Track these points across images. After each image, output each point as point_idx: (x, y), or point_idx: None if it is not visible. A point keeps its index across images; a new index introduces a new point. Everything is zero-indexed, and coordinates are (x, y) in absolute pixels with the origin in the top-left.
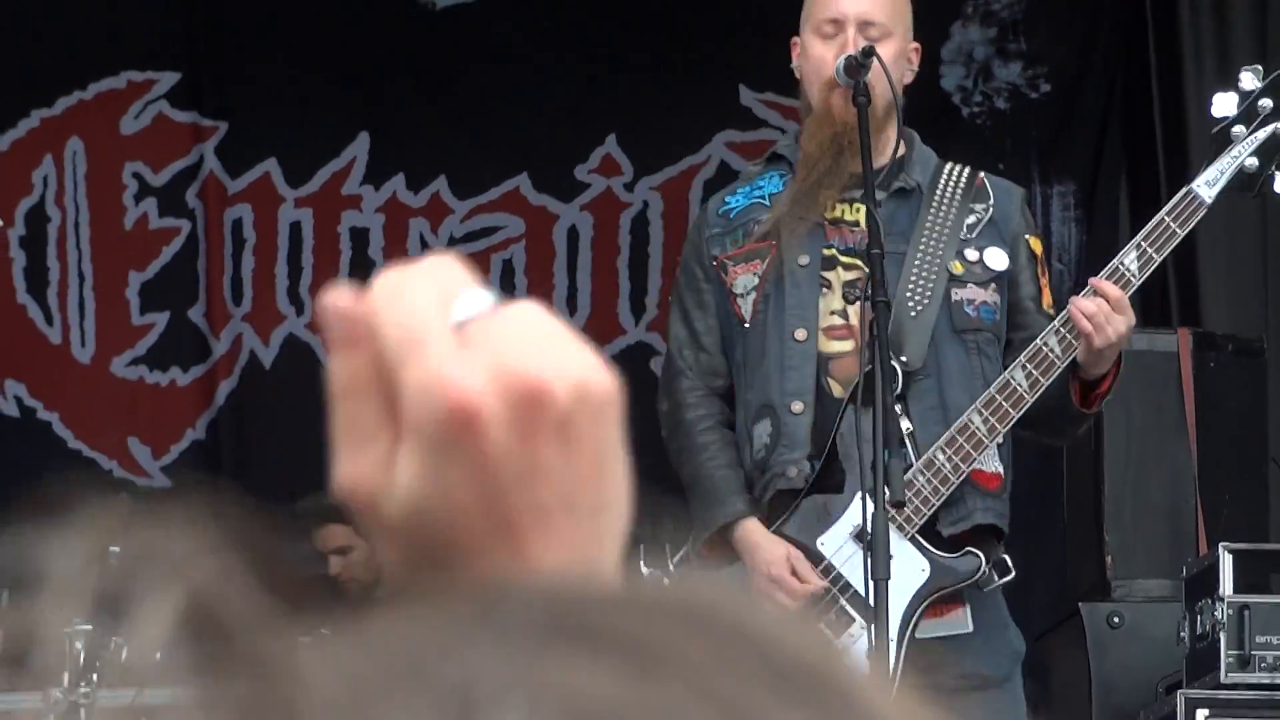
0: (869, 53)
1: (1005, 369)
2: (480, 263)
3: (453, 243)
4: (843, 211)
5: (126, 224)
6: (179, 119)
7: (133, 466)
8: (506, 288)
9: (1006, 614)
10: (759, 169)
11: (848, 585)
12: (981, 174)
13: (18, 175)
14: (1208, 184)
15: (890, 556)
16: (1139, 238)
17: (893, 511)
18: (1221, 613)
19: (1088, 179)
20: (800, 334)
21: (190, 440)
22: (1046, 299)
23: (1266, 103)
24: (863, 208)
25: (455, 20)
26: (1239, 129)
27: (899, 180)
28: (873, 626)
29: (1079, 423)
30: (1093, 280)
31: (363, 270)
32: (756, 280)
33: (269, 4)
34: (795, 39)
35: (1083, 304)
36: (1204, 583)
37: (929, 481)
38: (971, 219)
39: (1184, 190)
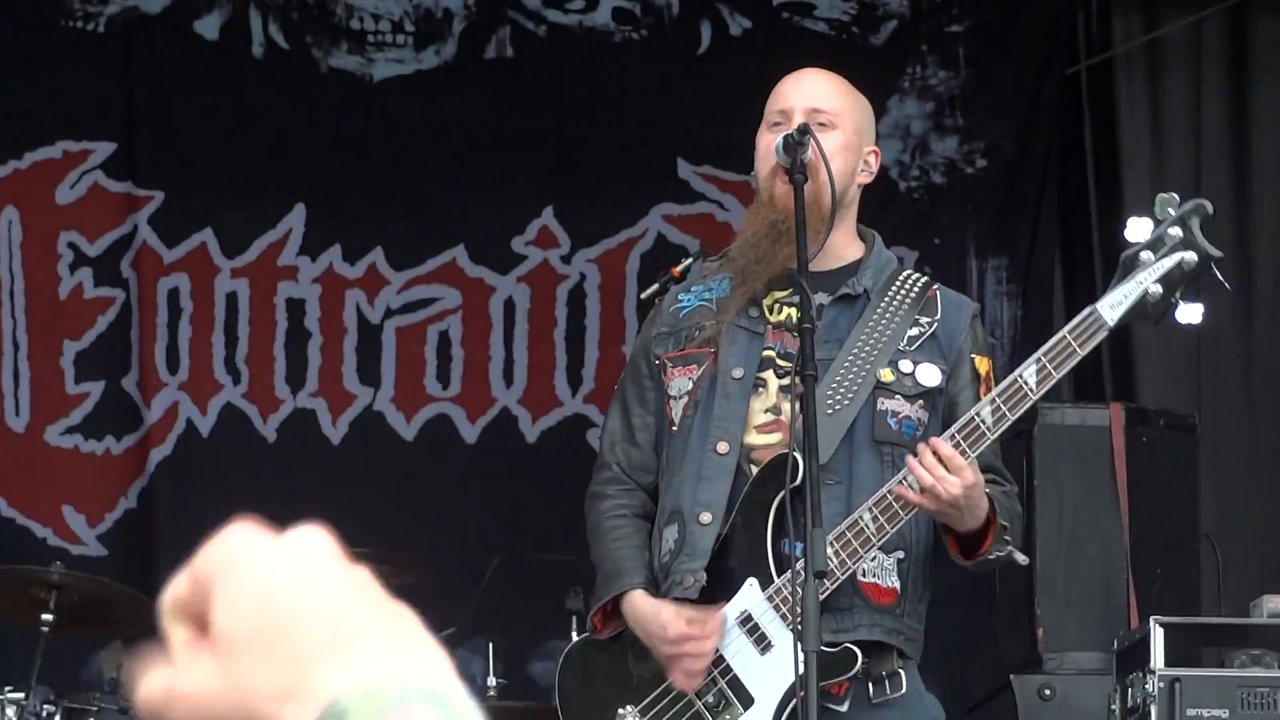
0: (805, 130)
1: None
2: (417, 334)
3: (389, 314)
4: (789, 314)
5: (61, 293)
6: (113, 189)
7: (68, 535)
8: (443, 359)
9: (921, 686)
10: (711, 271)
11: (729, 669)
12: (936, 286)
13: None
14: (1111, 306)
15: (771, 644)
16: (1040, 353)
17: (777, 601)
18: (1153, 685)
19: (1023, 254)
20: (722, 447)
21: (123, 509)
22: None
23: (1175, 232)
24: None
25: (391, 92)
26: (1146, 254)
27: (846, 286)
28: (802, 694)
29: (975, 571)
30: (930, 440)
31: (298, 341)
32: (690, 385)
33: (204, 75)
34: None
35: (916, 465)
36: (1135, 656)
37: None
38: (914, 330)
39: (1088, 310)
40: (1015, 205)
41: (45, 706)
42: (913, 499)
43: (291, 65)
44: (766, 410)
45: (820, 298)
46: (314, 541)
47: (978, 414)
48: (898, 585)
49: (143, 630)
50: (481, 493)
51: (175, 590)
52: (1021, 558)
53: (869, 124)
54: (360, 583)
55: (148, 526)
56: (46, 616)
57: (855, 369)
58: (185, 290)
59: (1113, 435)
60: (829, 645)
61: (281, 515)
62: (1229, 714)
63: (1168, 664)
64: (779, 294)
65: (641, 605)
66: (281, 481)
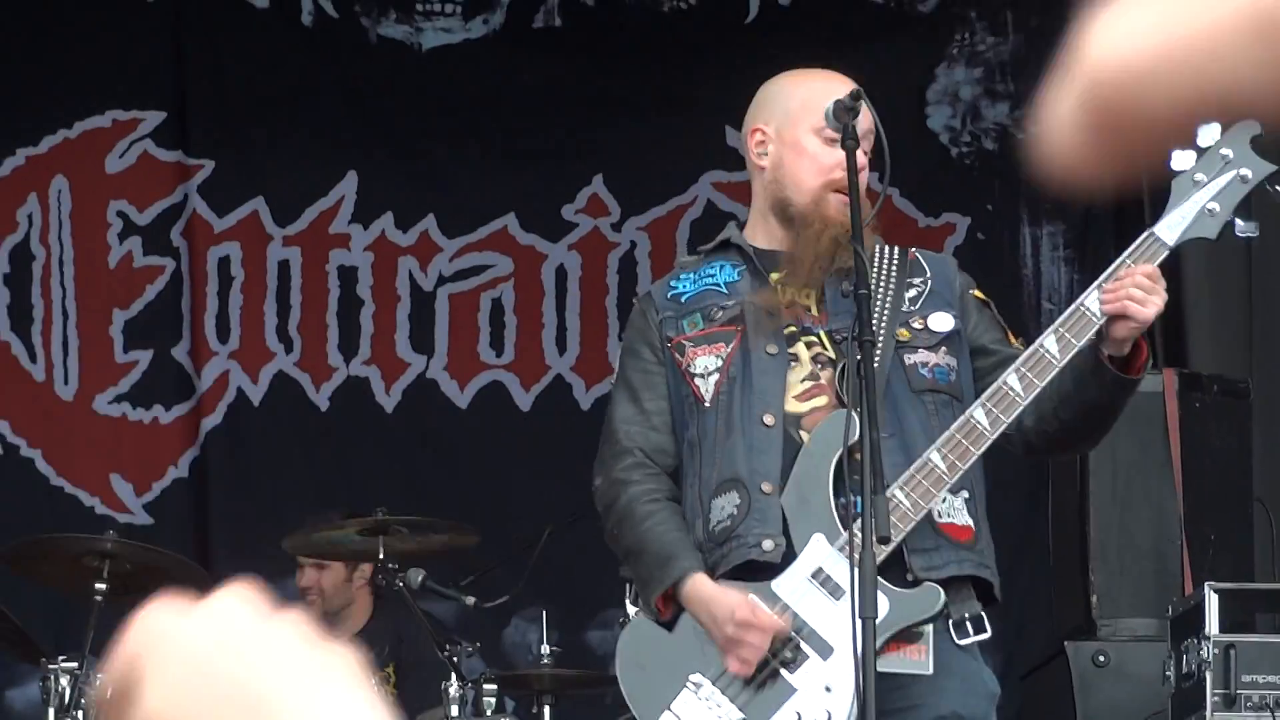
0: (858, 95)
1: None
2: (470, 302)
3: (442, 281)
4: (792, 295)
5: (111, 262)
6: (163, 158)
7: (115, 503)
8: (496, 327)
9: (979, 655)
10: (698, 259)
11: (803, 624)
12: (913, 249)
13: (3, 213)
14: (1169, 227)
15: (845, 592)
16: (1101, 279)
17: (848, 550)
18: (1207, 652)
19: (1077, 219)
20: (769, 419)
21: (172, 478)
22: (1012, 338)
23: (1227, 152)
24: (811, 291)
25: (442, 61)
26: (1200, 175)
27: (838, 260)
28: (861, 666)
29: (1123, 392)
30: (1132, 267)
31: (351, 309)
32: (720, 362)
33: (254, 44)
34: (758, 127)
35: (1132, 282)
36: (1190, 622)
37: (888, 519)
38: (911, 292)
39: (1145, 233)
40: None
41: (99, 676)
42: (1139, 315)
43: (341, 34)
44: (804, 379)
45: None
46: (236, 607)
47: (1042, 344)
48: (971, 523)
49: (194, 599)
50: (535, 460)
51: (110, 679)
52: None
53: None
54: (288, 640)
55: (200, 495)
56: (100, 586)
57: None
58: (236, 259)
59: (1165, 401)
60: (913, 583)
61: (334, 484)
62: None
63: (1222, 630)
64: (775, 275)
65: (707, 588)
66: (334, 450)
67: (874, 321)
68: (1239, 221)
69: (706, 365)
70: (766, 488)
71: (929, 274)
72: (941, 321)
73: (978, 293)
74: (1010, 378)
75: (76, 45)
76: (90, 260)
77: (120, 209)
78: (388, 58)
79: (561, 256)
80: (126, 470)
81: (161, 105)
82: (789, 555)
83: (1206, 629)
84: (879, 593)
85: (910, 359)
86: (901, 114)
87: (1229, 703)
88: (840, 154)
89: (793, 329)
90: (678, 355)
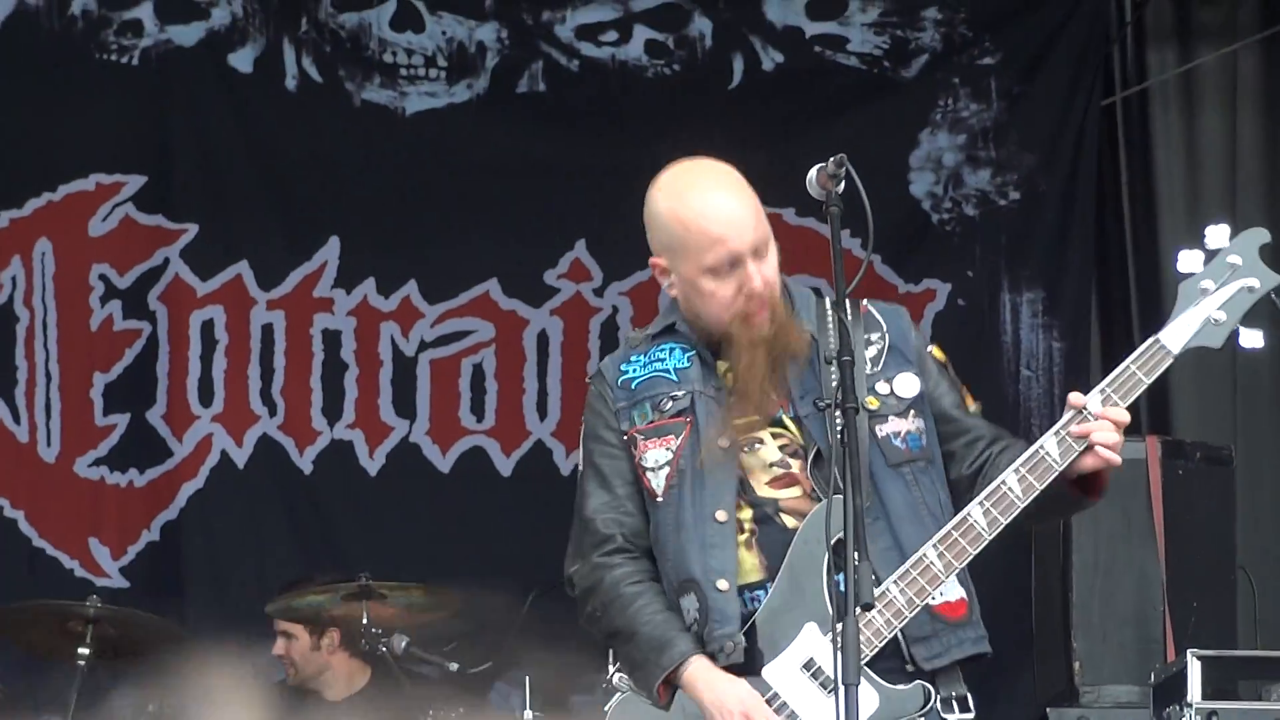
0: (841, 163)
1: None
2: (451, 367)
3: (424, 346)
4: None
5: (92, 325)
6: (145, 221)
7: (93, 567)
8: (477, 392)
9: None
10: (647, 339)
11: (794, 715)
12: (864, 301)
13: None
14: (1174, 335)
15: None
16: (1104, 383)
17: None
18: (1189, 719)
19: (1058, 286)
20: (721, 515)
21: (145, 541)
22: (969, 401)
23: (1235, 259)
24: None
25: (424, 126)
26: (1207, 282)
27: (780, 368)
28: None
29: (1072, 509)
30: (1099, 412)
31: (335, 372)
32: (670, 455)
33: (238, 108)
34: (656, 260)
35: (1106, 438)
36: (1172, 689)
37: (881, 614)
38: (871, 350)
39: (1151, 340)
40: (1050, 237)
41: None
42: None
43: (324, 98)
44: (772, 465)
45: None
46: None
47: (1042, 446)
48: (964, 594)
49: (173, 663)
50: (517, 525)
51: None
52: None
53: None
54: None
55: (171, 559)
56: (83, 650)
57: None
58: (220, 322)
59: (1149, 468)
60: (906, 679)
61: (317, 548)
62: None
63: (1205, 697)
64: (723, 364)
65: (711, 674)
66: (317, 513)
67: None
68: (1244, 331)
69: (657, 459)
70: (722, 585)
71: (885, 329)
72: (908, 386)
73: (936, 351)
74: (1010, 478)
75: (60, 108)
76: (73, 323)
77: (102, 272)
78: (371, 122)
79: (543, 322)
80: (103, 534)
81: (144, 169)
82: (753, 652)
83: (1189, 696)
84: (868, 685)
85: (883, 430)
86: (884, 180)
87: None
88: (737, 282)
89: (754, 418)
90: (632, 448)
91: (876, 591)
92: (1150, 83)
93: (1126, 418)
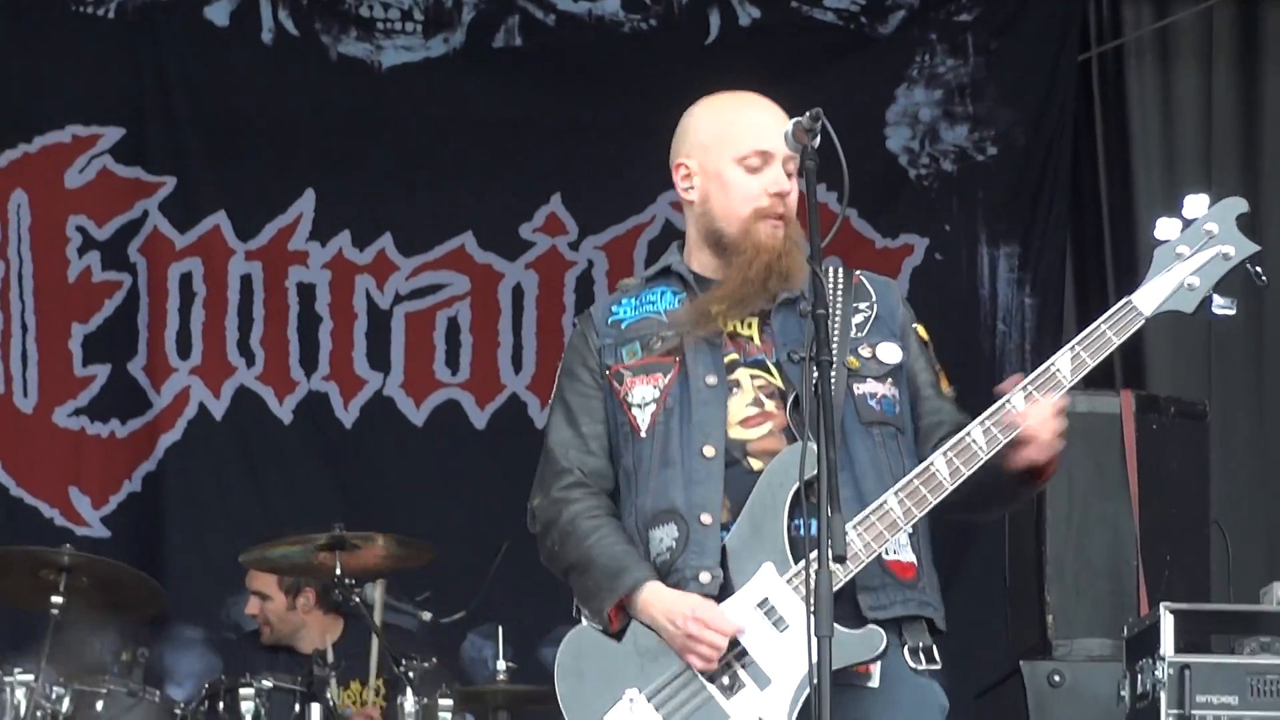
0: (817, 117)
1: (924, 455)
2: (426, 320)
3: (398, 300)
4: (735, 326)
5: (70, 276)
6: (123, 174)
7: (74, 516)
8: (452, 345)
9: (929, 673)
10: (640, 283)
11: (744, 652)
12: (858, 272)
13: None
14: (1147, 298)
15: (789, 625)
16: (1074, 342)
17: (796, 583)
18: (1162, 672)
19: (1034, 241)
20: (708, 451)
21: (127, 492)
22: (944, 384)
23: (1212, 226)
24: (754, 321)
25: (400, 79)
26: (1183, 248)
27: (785, 290)
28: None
29: (1015, 499)
30: (1048, 401)
31: (310, 325)
32: (657, 393)
33: (214, 61)
34: (680, 162)
35: (1052, 425)
36: (1145, 642)
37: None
38: (859, 318)
39: (1123, 301)
40: (1026, 193)
41: (54, 689)
42: (1044, 449)
43: (301, 52)
44: (748, 405)
45: (764, 304)
46: None
47: (1008, 400)
48: (914, 559)
49: (151, 613)
50: (491, 478)
51: None
52: None
53: None
54: None
55: (153, 510)
56: (56, 599)
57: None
58: (198, 274)
59: (1123, 422)
60: (859, 625)
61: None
62: (1238, 701)
63: (1177, 651)
64: (719, 308)
65: (665, 592)
66: (294, 465)
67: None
68: (1217, 298)
69: (644, 396)
70: (706, 519)
71: (874, 299)
72: (890, 353)
73: (921, 330)
74: (975, 431)
75: (37, 61)
76: (50, 274)
77: (80, 224)
78: (347, 76)
79: (519, 275)
80: (84, 483)
81: (121, 121)
82: (727, 587)
83: (1162, 650)
84: None
85: (859, 389)
86: (861, 135)
87: None
88: (765, 179)
89: (734, 357)
90: (615, 383)
91: None
92: (1126, 39)
93: (1064, 402)
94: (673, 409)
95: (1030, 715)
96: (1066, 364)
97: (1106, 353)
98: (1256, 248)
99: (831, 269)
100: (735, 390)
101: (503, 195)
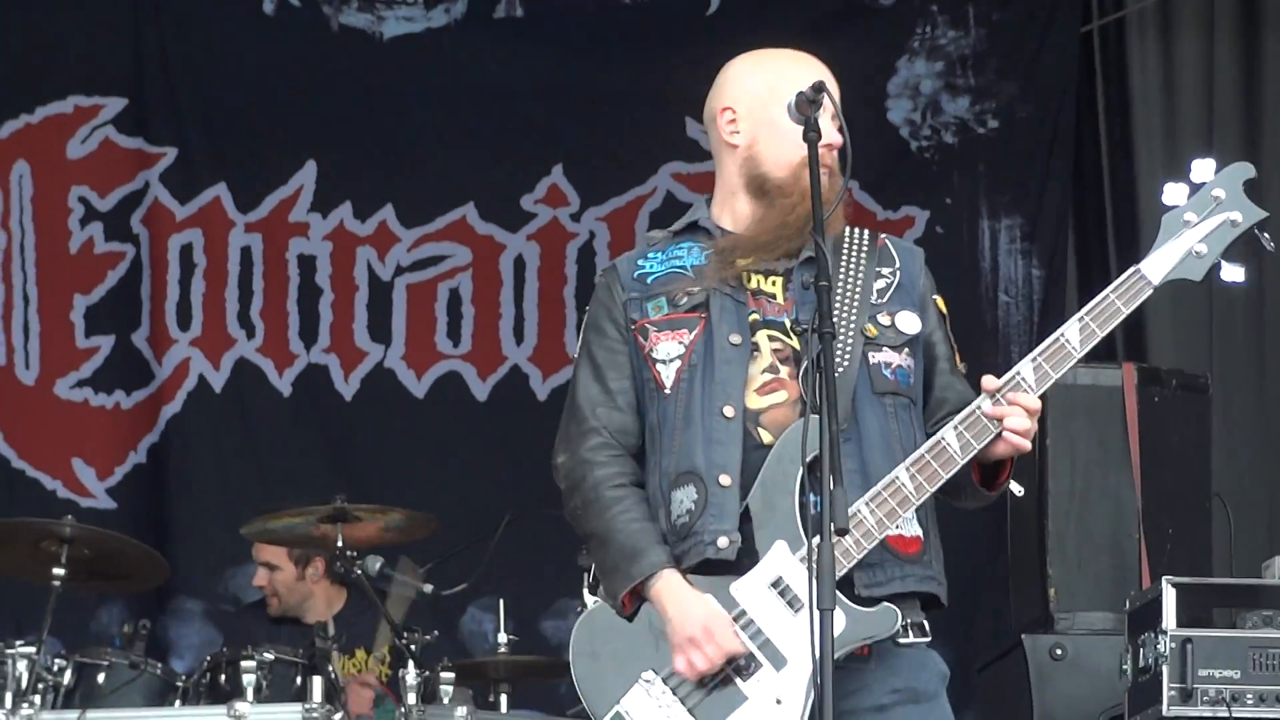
0: (820, 88)
1: (934, 429)
2: (428, 292)
3: (400, 271)
4: (758, 283)
5: (72, 248)
6: (125, 144)
7: (77, 487)
8: (454, 317)
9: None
10: (668, 237)
11: (759, 632)
12: (883, 236)
13: None
14: (1156, 266)
15: (804, 605)
16: (1083, 312)
17: (810, 561)
18: (1164, 646)
19: (1035, 213)
20: (729, 411)
21: (133, 463)
22: (958, 359)
23: (1219, 193)
24: (779, 280)
25: (402, 50)
26: (1190, 215)
27: (806, 250)
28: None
29: (978, 500)
30: (1011, 396)
31: (310, 297)
32: (682, 350)
33: (216, 32)
34: (728, 106)
35: (1019, 424)
36: (1147, 616)
37: (851, 534)
38: (880, 283)
39: (1131, 270)
40: (1027, 164)
41: (56, 660)
42: (1018, 446)
43: (302, 22)
44: (764, 371)
45: (785, 263)
46: None
47: (1019, 373)
48: (920, 533)
49: (153, 585)
50: (492, 450)
51: None
52: (1017, 488)
53: None
54: None
55: (157, 481)
56: (58, 571)
57: (841, 329)
58: (199, 246)
59: (1125, 395)
60: (865, 601)
61: (293, 470)
62: (1240, 675)
63: (1179, 624)
64: (743, 262)
65: (679, 587)
66: (295, 436)
67: (841, 310)
68: (1225, 265)
69: (669, 351)
70: (725, 480)
71: (898, 265)
72: (909, 323)
73: (940, 302)
74: (985, 402)
75: (38, 31)
76: (51, 245)
77: (82, 195)
78: (349, 47)
79: (520, 247)
80: (88, 455)
81: (123, 92)
82: (749, 550)
83: (1163, 623)
84: (836, 606)
85: (875, 358)
86: (862, 107)
87: (1185, 696)
88: (817, 130)
89: (755, 317)
90: (641, 338)
91: (849, 511)
92: (1127, 10)
93: (1037, 404)
94: (696, 366)
95: (1032, 688)
96: (1075, 334)
97: (1116, 322)
98: (1264, 214)
99: (856, 231)
100: (754, 354)
101: (504, 166)
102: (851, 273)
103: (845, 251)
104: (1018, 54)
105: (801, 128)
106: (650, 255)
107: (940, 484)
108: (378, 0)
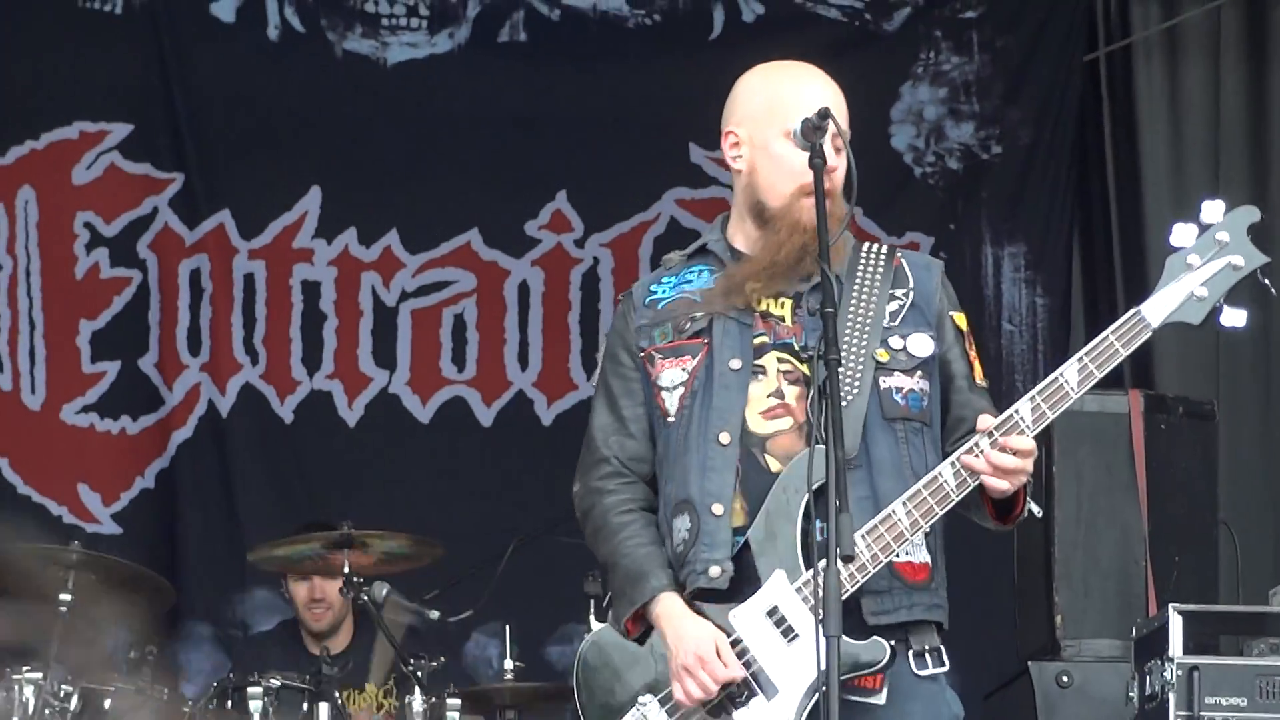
0: (825, 114)
1: (954, 448)
2: (432, 317)
3: (404, 297)
4: (768, 306)
5: (78, 273)
6: (131, 170)
7: (83, 513)
8: (458, 342)
9: (942, 679)
10: (682, 260)
11: (752, 661)
12: (899, 254)
13: None
14: (1156, 308)
15: (797, 635)
16: (1082, 352)
17: (806, 593)
18: (1171, 673)
19: (1040, 240)
20: (724, 438)
21: (140, 489)
22: (978, 375)
23: (1223, 236)
24: (788, 302)
25: (406, 76)
26: (1194, 258)
27: (803, 268)
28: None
29: (994, 527)
30: (1003, 440)
31: (314, 323)
32: (685, 376)
33: (220, 58)
34: (730, 130)
35: (1000, 460)
36: (1153, 643)
37: (846, 567)
38: (893, 305)
39: (1132, 312)
40: (1032, 192)
41: (63, 687)
42: (995, 487)
43: (306, 48)
44: (769, 395)
45: (796, 286)
46: None
47: (1017, 412)
48: (928, 559)
49: (160, 610)
50: (498, 475)
51: None
52: (1036, 509)
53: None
54: None
55: (166, 507)
56: (65, 596)
57: (852, 353)
58: (205, 271)
59: (1131, 422)
60: (863, 633)
61: (298, 498)
62: (1246, 703)
63: (1186, 651)
64: (752, 286)
65: (678, 611)
66: (298, 463)
67: (851, 335)
68: (1226, 309)
69: (672, 379)
70: (717, 509)
71: (911, 285)
72: (921, 345)
73: (958, 318)
74: (983, 441)
75: (44, 57)
76: (57, 271)
77: (87, 220)
78: (353, 72)
79: (524, 272)
80: (94, 480)
81: (128, 117)
82: (751, 578)
83: (1170, 650)
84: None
85: (885, 383)
86: (865, 133)
87: None
88: (822, 157)
89: (764, 339)
90: (649, 366)
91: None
92: (1134, 38)
93: (1031, 446)
94: (697, 392)
95: (1039, 716)
96: (1074, 375)
97: (1114, 364)
98: (1266, 259)
99: (874, 249)
100: (760, 376)
101: (508, 192)
102: (864, 295)
103: (860, 270)
104: (1022, 80)
105: (799, 155)
106: (664, 280)
107: (934, 519)
108: (382, 26)
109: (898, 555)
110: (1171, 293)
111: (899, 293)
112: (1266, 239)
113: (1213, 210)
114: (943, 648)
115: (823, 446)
